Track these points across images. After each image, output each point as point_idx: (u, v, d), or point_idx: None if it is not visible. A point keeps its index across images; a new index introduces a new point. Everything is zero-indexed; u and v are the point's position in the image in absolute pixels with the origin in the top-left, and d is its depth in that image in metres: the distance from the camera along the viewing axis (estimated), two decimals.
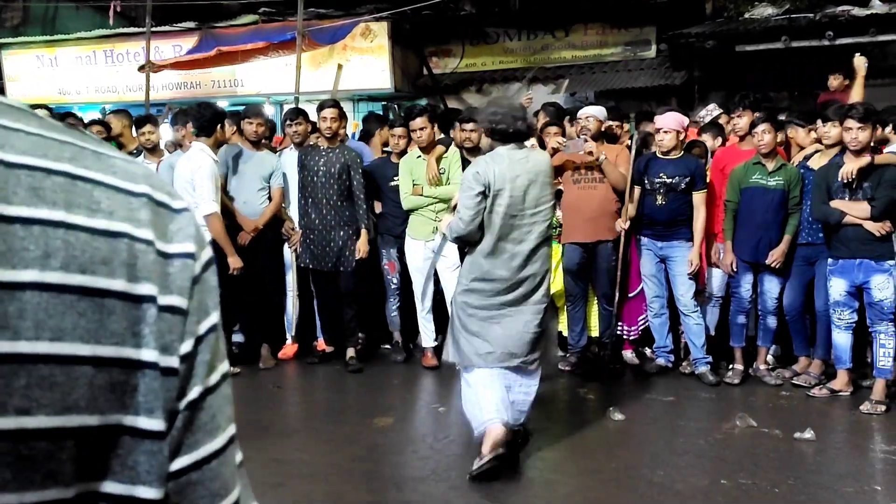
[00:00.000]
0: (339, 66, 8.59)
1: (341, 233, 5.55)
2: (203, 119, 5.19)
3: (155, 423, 0.52)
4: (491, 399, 3.66)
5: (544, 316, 3.85)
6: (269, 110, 8.13)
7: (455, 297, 3.89)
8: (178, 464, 0.54)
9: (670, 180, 5.14)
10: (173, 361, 0.53)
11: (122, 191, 0.53)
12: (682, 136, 5.25)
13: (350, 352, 5.62)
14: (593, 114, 5.34)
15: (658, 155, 5.25)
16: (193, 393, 0.55)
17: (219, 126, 5.24)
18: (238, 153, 5.57)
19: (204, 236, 0.59)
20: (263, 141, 5.78)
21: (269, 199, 5.56)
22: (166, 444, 0.53)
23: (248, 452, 2.78)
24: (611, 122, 5.59)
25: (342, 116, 5.75)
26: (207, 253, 0.58)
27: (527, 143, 3.98)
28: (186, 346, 0.54)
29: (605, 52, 9.76)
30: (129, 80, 10.34)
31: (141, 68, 8.98)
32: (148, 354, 0.52)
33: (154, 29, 9.32)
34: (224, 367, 0.59)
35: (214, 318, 0.57)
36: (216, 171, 5.12)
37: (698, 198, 5.16)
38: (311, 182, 5.53)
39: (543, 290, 3.81)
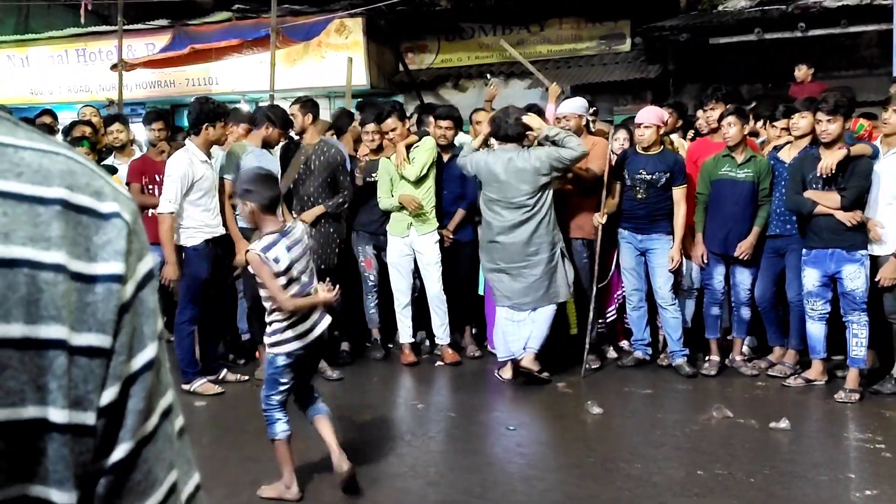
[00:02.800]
0: (350, 60, 8.53)
1: (322, 230, 5.55)
2: (192, 116, 5.04)
3: (66, 498, 0.43)
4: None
5: None
6: (244, 108, 8.05)
7: None
8: None
9: (650, 176, 5.14)
10: (88, 418, 0.44)
11: (25, 199, 0.43)
12: (661, 131, 5.25)
13: (343, 345, 5.72)
14: (574, 109, 5.33)
15: (638, 150, 5.25)
16: (120, 451, 0.46)
17: (205, 125, 4.95)
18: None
19: (143, 243, 0.49)
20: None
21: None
22: None
23: (223, 452, 2.77)
24: (592, 116, 5.61)
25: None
26: (146, 266, 0.48)
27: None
28: (110, 395, 0.45)
29: (580, 47, 9.78)
30: (103, 79, 10.22)
31: (114, 67, 8.88)
32: (56, 414, 0.42)
33: (126, 27, 9.22)
34: (166, 401, 0.49)
35: (151, 350, 0.48)
36: (188, 172, 4.90)
37: (678, 193, 5.17)
38: (296, 178, 5.52)
39: None
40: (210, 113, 4.98)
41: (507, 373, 5.15)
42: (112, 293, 0.45)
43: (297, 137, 5.68)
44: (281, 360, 3.32)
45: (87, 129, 6.39)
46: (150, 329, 0.47)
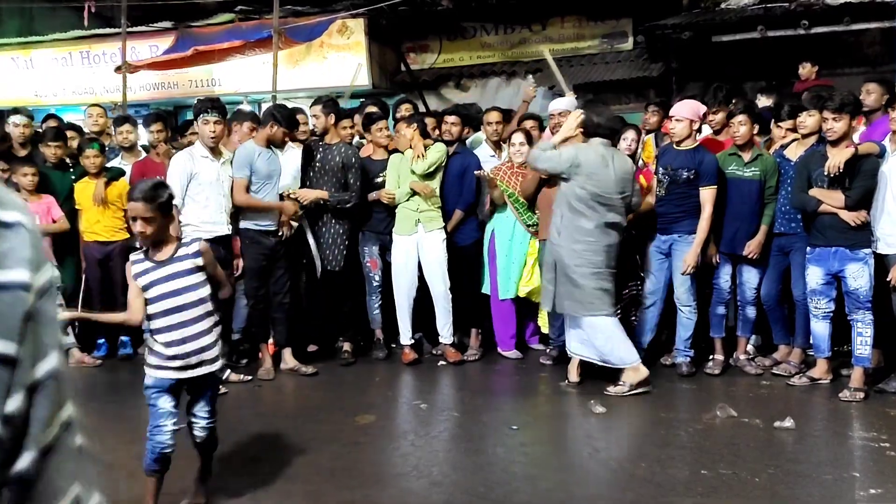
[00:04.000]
0: (359, 66, 8.62)
1: (330, 230, 5.58)
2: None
3: None
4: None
5: None
6: (246, 108, 8.06)
7: None
8: None
9: (673, 172, 5.07)
10: None
11: None
12: (696, 126, 5.10)
13: (346, 346, 5.73)
14: (568, 107, 5.33)
15: (673, 146, 5.18)
16: (24, 461, 0.44)
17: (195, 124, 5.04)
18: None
19: (42, 254, 0.47)
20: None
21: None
22: None
23: (225, 452, 2.76)
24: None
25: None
26: (45, 275, 0.47)
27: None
28: (14, 403, 0.44)
29: (582, 45, 9.75)
30: (107, 82, 10.22)
31: (117, 69, 8.89)
32: None
33: (130, 29, 9.23)
34: (67, 413, 0.48)
35: (54, 359, 0.47)
36: (185, 169, 4.94)
37: (704, 194, 4.99)
38: (311, 178, 5.58)
39: None
40: (198, 109, 5.06)
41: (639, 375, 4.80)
42: (18, 300, 0.44)
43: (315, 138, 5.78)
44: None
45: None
46: (52, 338, 0.47)
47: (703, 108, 5.21)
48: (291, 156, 5.59)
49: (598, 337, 4.79)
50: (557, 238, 4.79)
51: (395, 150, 5.70)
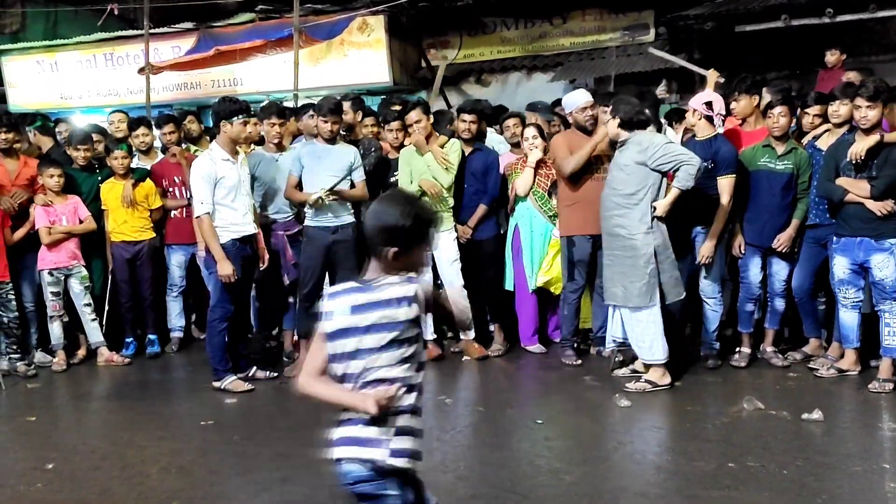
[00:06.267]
0: (444, 59, 8.63)
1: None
2: (213, 117, 5.08)
3: None
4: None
5: None
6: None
7: None
8: None
9: None
10: None
11: None
12: (698, 116, 5.05)
13: None
14: (584, 100, 5.28)
15: (696, 137, 5.13)
16: None
17: (223, 123, 4.94)
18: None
19: None
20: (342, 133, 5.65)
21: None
22: None
23: (254, 448, 2.80)
24: (602, 108, 5.52)
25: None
26: None
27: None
28: None
29: (603, 38, 9.70)
30: (130, 83, 10.36)
31: (141, 70, 9.00)
32: None
33: (152, 31, 9.34)
34: None
35: None
36: (211, 172, 4.92)
37: (722, 183, 4.93)
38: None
39: None
40: (225, 111, 4.97)
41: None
42: None
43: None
44: None
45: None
46: None
47: (713, 97, 5.13)
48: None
49: (637, 327, 4.76)
50: (653, 226, 4.73)
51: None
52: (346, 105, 5.73)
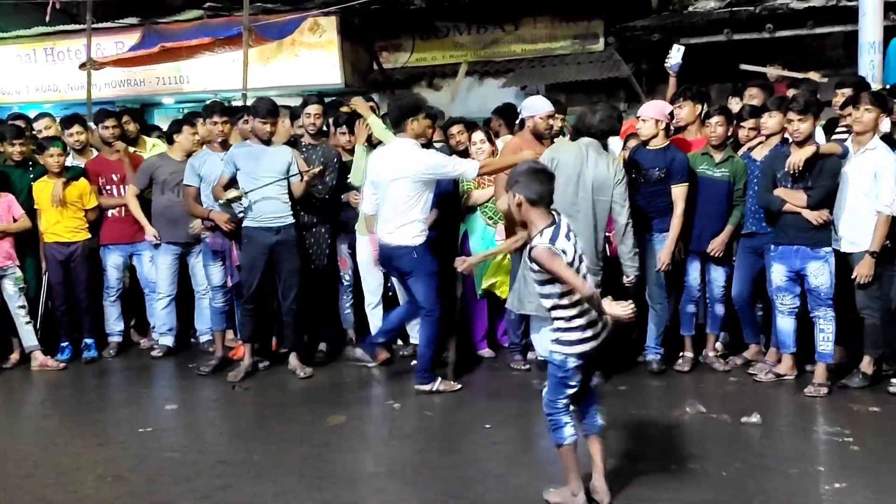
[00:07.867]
0: (465, 63, 8.60)
1: (313, 230, 5.58)
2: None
3: None
4: None
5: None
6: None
7: None
8: None
9: (645, 171, 5.09)
10: None
11: None
12: (661, 126, 5.10)
13: (322, 346, 5.78)
14: (547, 108, 5.29)
15: (645, 146, 5.17)
16: None
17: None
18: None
19: None
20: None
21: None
22: None
23: (194, 455, 2.74)
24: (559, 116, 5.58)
25: (325, 113, 5.73)
26: None
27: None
28: None
29: (554, 46, 9.82)
30: (71, 79, 10.06)
31: (82, 66, 8.73)
32: None
33: (95, 25, 9.07)
34: None
35: None
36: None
37: (676, 191, 5.01)
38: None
39: None
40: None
41: None
42: None
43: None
44: (572, 362, 3.11)
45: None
46: None
47: (670, 108, 5.26)
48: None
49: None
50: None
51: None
52: (318, 108, 5.63)
